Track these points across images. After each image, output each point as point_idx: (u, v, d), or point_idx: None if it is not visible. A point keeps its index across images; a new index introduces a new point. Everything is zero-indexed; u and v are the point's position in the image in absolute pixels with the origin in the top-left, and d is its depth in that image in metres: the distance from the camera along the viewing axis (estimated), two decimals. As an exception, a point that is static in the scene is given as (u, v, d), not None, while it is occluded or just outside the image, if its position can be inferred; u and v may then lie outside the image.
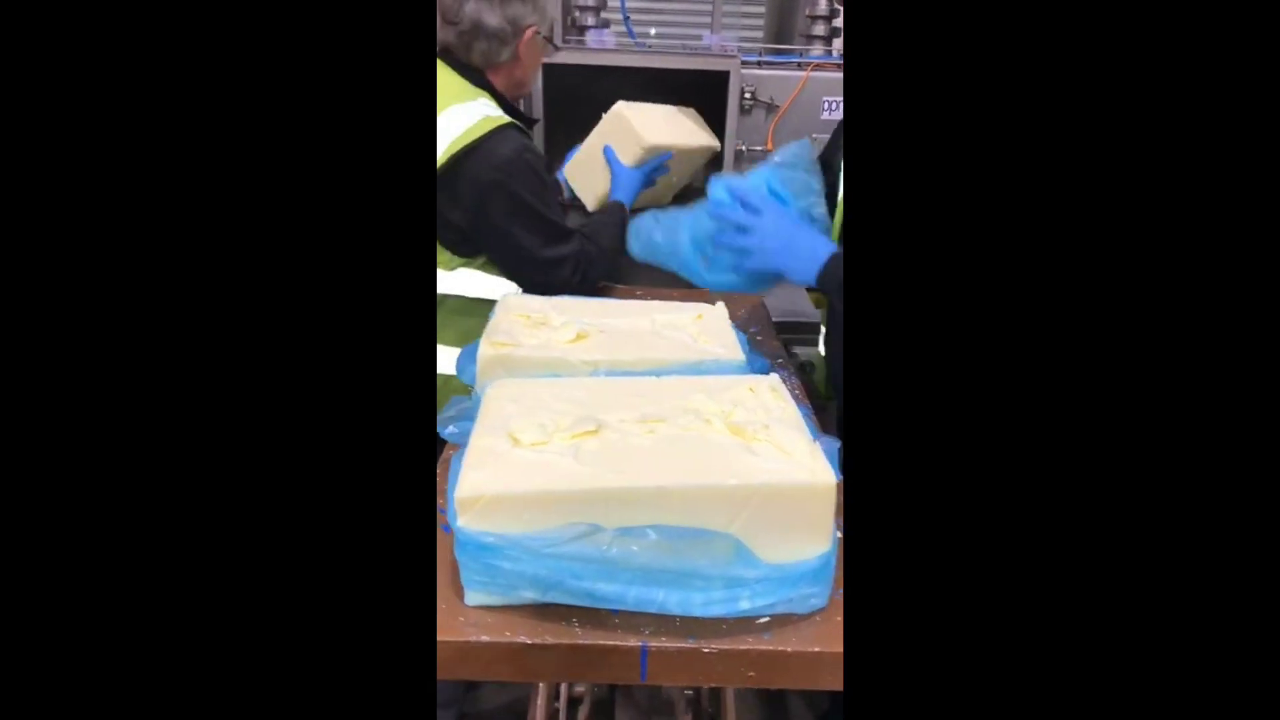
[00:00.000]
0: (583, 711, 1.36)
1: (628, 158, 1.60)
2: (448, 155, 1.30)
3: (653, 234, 1.29)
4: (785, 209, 1.20)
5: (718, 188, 1.21)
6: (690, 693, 1.46)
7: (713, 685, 0.78)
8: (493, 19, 1.38)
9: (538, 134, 1.80)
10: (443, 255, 1.39)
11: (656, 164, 1.63)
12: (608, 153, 1.61)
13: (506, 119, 1.35)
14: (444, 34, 1.40)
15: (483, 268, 1.43)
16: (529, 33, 1.42)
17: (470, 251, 1.40)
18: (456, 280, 1.41)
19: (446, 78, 1.39)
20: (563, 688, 1.46)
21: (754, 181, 1.22)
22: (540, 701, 1.18)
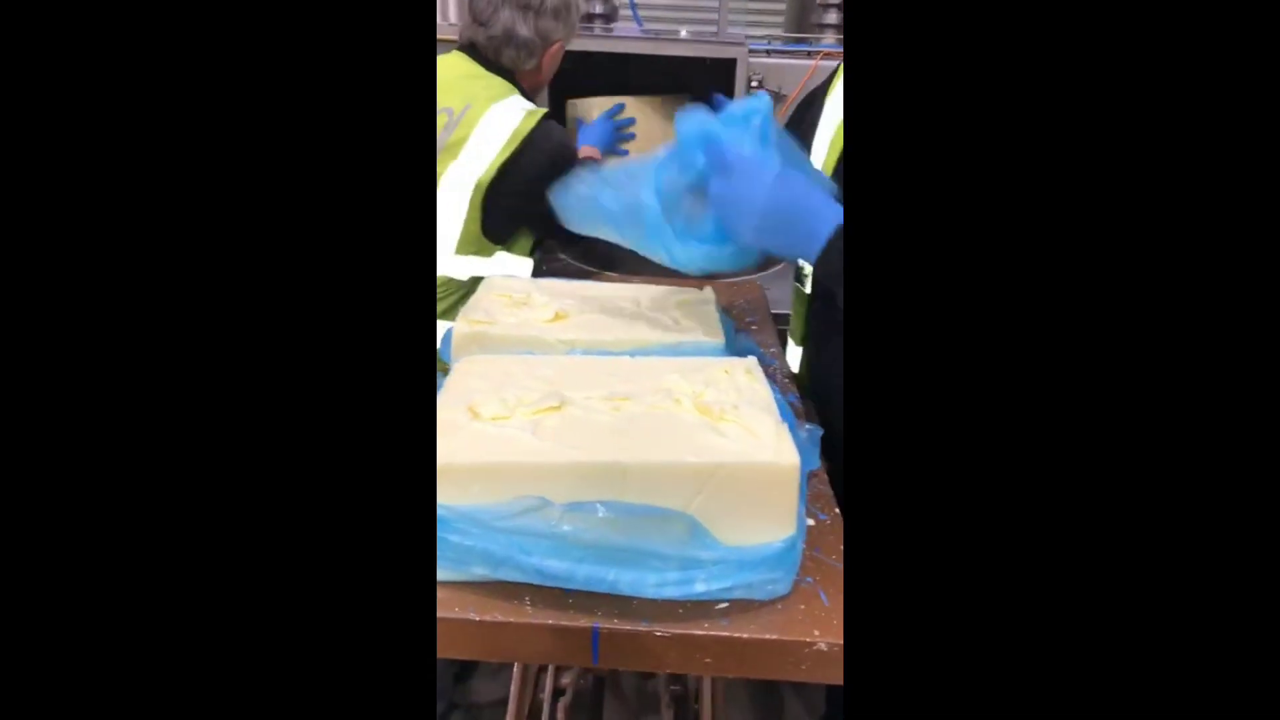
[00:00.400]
0: (563, 703, 1.33)
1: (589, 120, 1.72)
2: (506, 152, 1.35)
3: (598, 196, 0.97)
4: (784, 150, 0.86)
5: (687, 121, 0.87)
6: (677, 687, 1.43)
7: (669, 672, 0.75)
8: (524, 30, 1.44)
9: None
10: (483, 244, 1.42)
11: (614, 111, 1.74)
12: (577, 122, 1.70)
13: (543, 110, 1.41)
14: (473, 33, 1.47)
15: (511, 249, 1.47)
16: (556, 46, 1.49)
17: (511, 235, 1.45)
18: (491, 265, 1.45)
19: (478, 73, 1.45)
20: (547, 680, 1.44)
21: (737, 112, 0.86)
22: (514, 689, 1.15)
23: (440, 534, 0.68)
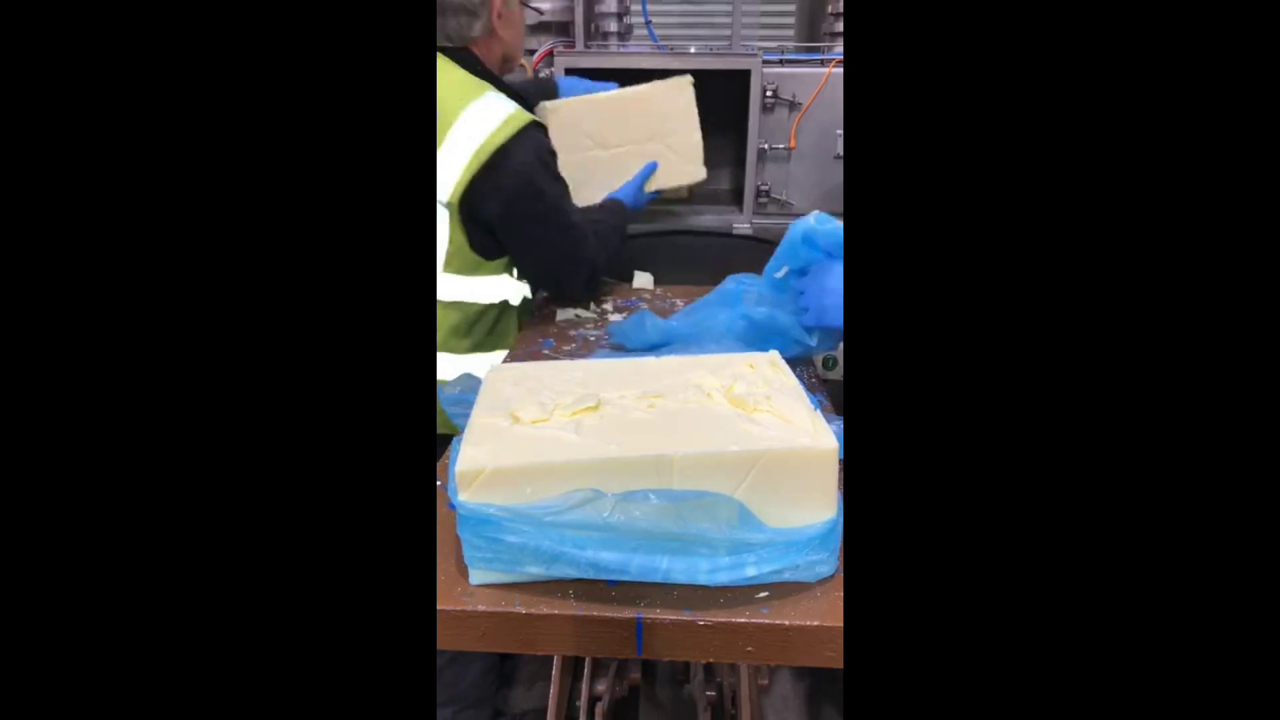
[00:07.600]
0: (600, 710, 1.34)
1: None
2: (478, 162, 1.26)
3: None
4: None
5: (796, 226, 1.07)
6: (712, 693, 1.44)
7: (712, 661, 0.76)
8: None
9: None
10: (467, 261, 1.36)
11: (647, 171, 1.66)
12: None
13: (527, 118, 1.31)
14: None
15: (496, 271, 1.41)
16: (496, 2, 1.35)
17: (495, 254, 1.38)
18: (474, 287, 1.40)
19: (448, 71, 1.33)
20: (583, 688, 1.45)
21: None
22: (554, 691, 1.17)
23: (494, 535, 0.70)
